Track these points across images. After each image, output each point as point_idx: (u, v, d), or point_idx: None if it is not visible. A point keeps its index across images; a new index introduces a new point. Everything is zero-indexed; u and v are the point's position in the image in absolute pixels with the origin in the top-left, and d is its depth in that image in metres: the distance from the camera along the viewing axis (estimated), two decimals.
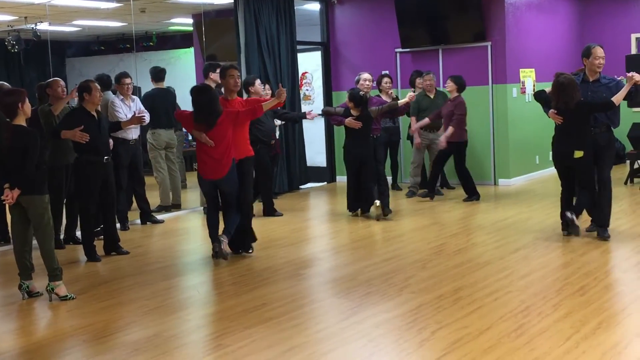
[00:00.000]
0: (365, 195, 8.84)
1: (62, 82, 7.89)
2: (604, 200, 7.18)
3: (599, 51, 7.19)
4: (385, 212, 8.77)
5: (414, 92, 9.90)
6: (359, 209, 9.11)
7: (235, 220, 7.01)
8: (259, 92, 9.29)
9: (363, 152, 8.72)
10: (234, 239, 7.10)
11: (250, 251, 7.23)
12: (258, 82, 9.48)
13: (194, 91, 6.89)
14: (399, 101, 9.21)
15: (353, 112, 8.71)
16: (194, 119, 6.80)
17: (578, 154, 7.02)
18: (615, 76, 7.44)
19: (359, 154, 8.73)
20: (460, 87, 9.83)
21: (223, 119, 6.77)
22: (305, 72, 12.54)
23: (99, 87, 7.33)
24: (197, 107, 6.79)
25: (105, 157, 7.31)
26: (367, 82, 9.44)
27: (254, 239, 7.33)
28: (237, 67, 7.29)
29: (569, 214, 7.16)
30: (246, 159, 7.10)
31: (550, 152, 7.63)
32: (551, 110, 7.17)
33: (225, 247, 6.91)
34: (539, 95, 7.46)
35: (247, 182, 7.14)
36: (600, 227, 7.23)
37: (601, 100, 7.05)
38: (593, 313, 5.03)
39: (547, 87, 7.41)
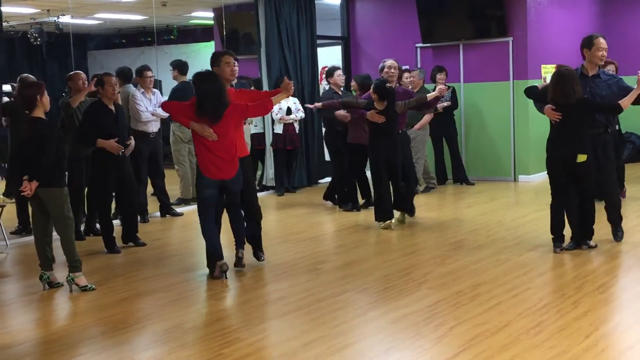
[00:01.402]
0: (396, 200, 8.10)
1: (83, 75, 7.95)
2: (613, 212, 6.77)
3: (602, 42, 6.56)
4: (411, 214, 8.38)
5: (445, 86, 9.72)
6: (390, 219, 8.03)
7: (243, 226, 6.41)
8: (338, 84, 9.23)
9: (389, 150, 7.91)
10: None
11: (262, 258, 6.63)
12: (337, 72, 9.41)
13: (200, 78, 6.03)
14: (427, 94, 8.35)
15: (377, 105, 7.83)
16: (196, 110, 5.95)
17: (581, 157, 6.29)
18: None
19: (384, 152, 7.93)
20: (361, 87, 8.92)
21: (230, 112, 5.99)
22: (325, 67, 12.50)
23: (114, 80, 7.33)
24: (202, 96, 5.92)
25: (122, 150, 7.35)
26: (393, 70, 8.32)
27: (261, 250, 6.68)
28: (232, 53, 6.51)
29: (592, 244, 6.59)
30: (245, 158, 6.40)
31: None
32: (548, 106, 6.39)
33: (244, 260, 6.36)
34: (530, 91, 6.71)
35: (252, 182, 6.59)
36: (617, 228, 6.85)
37: (609, 102, 6.45)
38: (613, 311, 5.00)
39: None
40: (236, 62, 6.36)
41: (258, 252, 6.65)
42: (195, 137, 6.07)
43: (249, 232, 6.52)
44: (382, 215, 8.02)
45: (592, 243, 6.64)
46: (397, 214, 8.24)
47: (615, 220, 6.89)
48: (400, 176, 8.06)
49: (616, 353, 4.25)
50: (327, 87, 9.57)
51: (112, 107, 7.32)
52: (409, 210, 8.36)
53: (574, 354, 4.22)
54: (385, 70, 8.27)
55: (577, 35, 12.13)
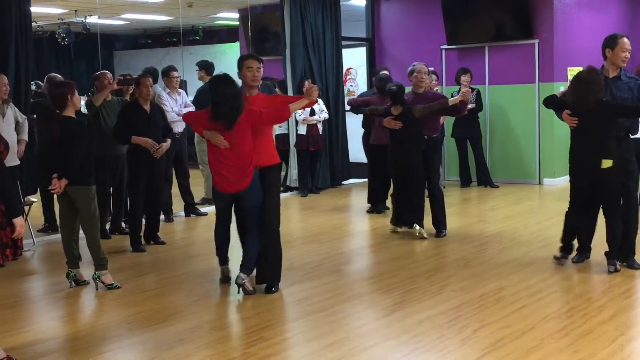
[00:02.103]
0: (412, 209, 7.61)
1: (109, 75, 8.04)
2: (632, 224, 6.11)
3: (626, 42, 6.10)
4: (438, 234, 7.64)
5: (470, 88, 9.46)
6: (403, 225, 7.83)
7: (255, 249, 5.73)
8: None
9: (407, 157, 7.48)
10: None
11: (274, 289, 5.77)
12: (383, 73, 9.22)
13: (215, 81, 5.69)
14: (449, 99, 7.65)
15: (393, 110, 7.50)
16: (211, 114, 5.60)
17: (606, 163, 5.86)
18: None
19: (400, 159, 7.54)
20: (379, 90, 8.81)
21: (243, 118, 5.55)
22: (350, 68, 12.53)
23: (149, 82, 7.46)
24: (217, 100, 5.56)
25: (155, 148, 7.41)
26: (423, 75, 7.79)
27: (279, 277, 5.86)
28: (257, 56, 5.98)
29: (618, 265, 6.01)
30: (272, 167, 5.80)
31: None
32: (565, 111, 6.05)
33: (248, 285, 5.70)
34: (549, 101, 6.34)
35: (274, 195, 5.79)
36: (628, 257, 6.15)
37: (631, 104, 6.02)
38: (638, 316, 4.96)
39: None
40: (260, 66, 5.84)
41: (272, 280, 5.80)
42: (208, 147, 5.79)
43: (264, 256, 5.78)
44: (394, 219, 7.89)
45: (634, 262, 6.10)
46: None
47: (628, 255, 6.18)
48: (418, 186, 7.58)
49: None
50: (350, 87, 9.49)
51: (147, 107, 7.44)
52: (441, 225, 7.71)
53: (598, 358, 4.21)
54: (415, 74, 7.72)
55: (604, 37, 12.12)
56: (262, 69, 5.89)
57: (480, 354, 4.34)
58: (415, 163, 7.49)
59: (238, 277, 5.69)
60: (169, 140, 7.64)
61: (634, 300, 5.31)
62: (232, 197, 5.71)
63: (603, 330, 4.67)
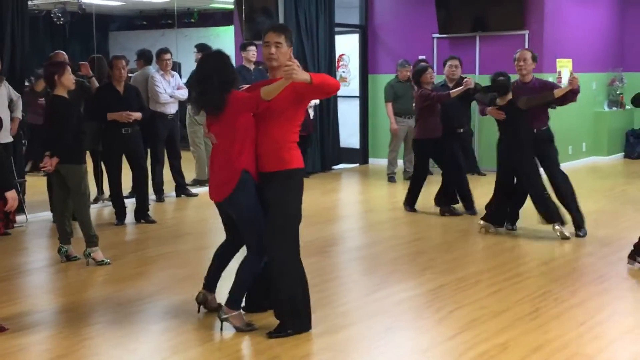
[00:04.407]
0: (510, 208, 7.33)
1: (64, 55, 8.10)
2: None
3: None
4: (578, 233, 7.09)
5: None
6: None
7: (248, 275, 4.62)
8: (448, 77, 8.44)
9: (510, 152, 7.02)
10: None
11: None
12: (450, 63, 8.60)
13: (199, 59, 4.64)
14: (555, 91, 6.96)
15: (499, 100, 7.09)
16: None
17: None
18: None
19: (505, 154, 7.08)
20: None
21: (230, 106, 4.36)
22: (342, 54, 12.65)
23: (122, 64, 7.66)
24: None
25: (124, 129, 7.63)
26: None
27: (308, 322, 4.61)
28: (279, 27, 4.59)
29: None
30: (287, 172, 4.44)
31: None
32: None
33: (236, 320, 4.60)
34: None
35: (278, 216, 4.43)
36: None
37: None
38: (610, 301, 5.14)
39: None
40: (280, 40, 4.42)
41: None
42: None
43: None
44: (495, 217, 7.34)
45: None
46: None
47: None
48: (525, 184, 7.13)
49: (609, 339, 4.41)
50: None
51: (121, 89, 7.67)
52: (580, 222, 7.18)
53: (567, 339, 4.39)
54: (516, 62, 7.39)
55: (594, 31, 12.27)
56: (283, 45, 4.45)
57: (453, 332, 4.51)
58: (519, 160, 7.01)
59: (221, 309, 4.65)
60: (139, 114, 7.73)
61: (606, 286, 5.48)
62: (219, 207, 4.67)
63: (574, 313, 4.86)
